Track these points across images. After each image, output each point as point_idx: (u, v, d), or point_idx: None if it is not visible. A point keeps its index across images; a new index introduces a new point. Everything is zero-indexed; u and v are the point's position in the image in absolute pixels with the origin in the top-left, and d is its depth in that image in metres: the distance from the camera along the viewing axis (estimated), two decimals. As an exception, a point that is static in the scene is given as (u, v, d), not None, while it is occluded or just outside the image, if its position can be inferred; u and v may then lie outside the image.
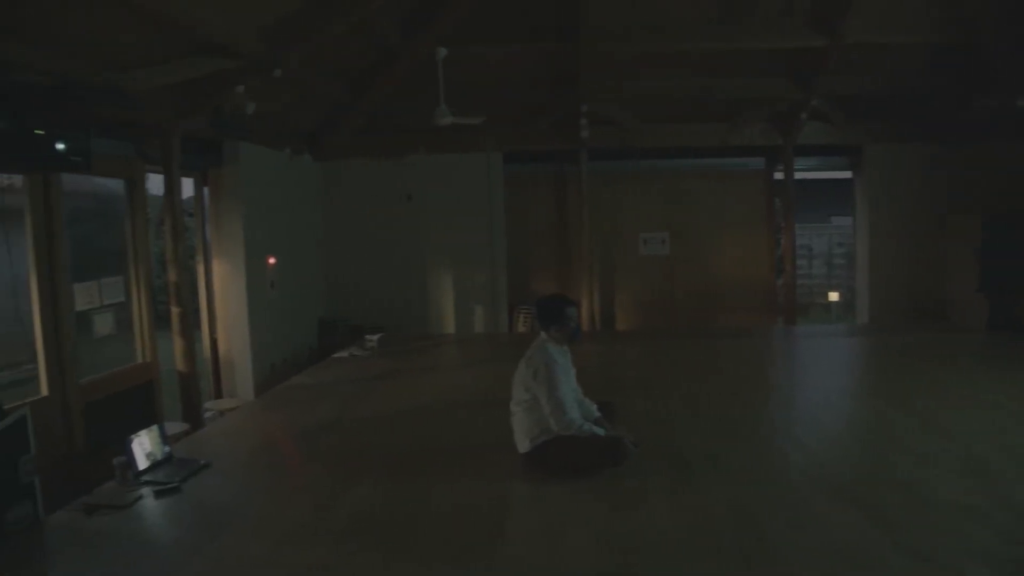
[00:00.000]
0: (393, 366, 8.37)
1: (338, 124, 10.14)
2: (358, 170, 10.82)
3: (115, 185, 7.25)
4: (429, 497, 4.32)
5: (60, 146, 5.12)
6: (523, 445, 4.68)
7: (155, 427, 4.94)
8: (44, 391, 5.82)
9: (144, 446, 4.72)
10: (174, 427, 6.40)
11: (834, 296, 13.34)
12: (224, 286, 8.56)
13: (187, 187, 8.08)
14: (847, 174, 11.51)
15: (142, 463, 4.65)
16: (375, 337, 9.43)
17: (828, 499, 4.08)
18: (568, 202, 11.28)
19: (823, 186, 14.11)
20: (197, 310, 8.44)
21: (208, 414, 7.50)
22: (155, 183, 7.62)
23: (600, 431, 4.60)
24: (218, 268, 8.57)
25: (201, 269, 8.63)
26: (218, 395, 8.60)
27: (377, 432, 5.83)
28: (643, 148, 10.84)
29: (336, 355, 9.08)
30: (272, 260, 9.08)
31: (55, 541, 3.94)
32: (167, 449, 4.93)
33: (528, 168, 11.29)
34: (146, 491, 4.43)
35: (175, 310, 7.19)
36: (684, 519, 3.85)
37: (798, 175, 11.15)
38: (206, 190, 8.61)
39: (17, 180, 5.82)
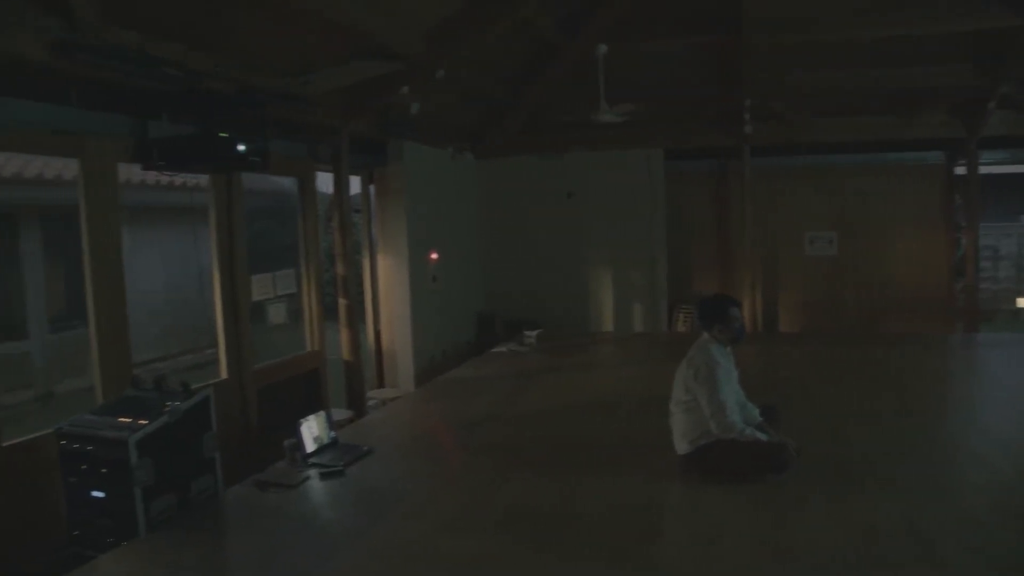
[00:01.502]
0: (551, 363, 8.42)
1: (499, 122, 10.29)
2: (518, 167, 10.93)
3: (288, 183, 7.70)
4: (584, 494, 4.31)
5: (241, 148, 5.48)
6: (681, 447, 4.57)
7: (322, 413, 5.19)
8: (223, 375, 6.25)
9: (312, 430, 4.97)
10: (339, 414, 6.71)
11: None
12: (388, 280, 8.90)
13: (354, 185, 8.45)
14: (1043, 168, 10.55)
15: (310, 446, 4.89)
16: (534, 333, 9.51)
17: (1009, 522, 3.74)
18: (731, 199, 10.94)
19: (1013, 181, 12.98)
20: (362, 303, 8.81)
21: (371, 403, 7.81)
22: (324, 181, 8.04)
23: (763, 436, 4.43)
24: (383, 263, 8.92)
25: (367, 263, 9.00)
26: (380, 385, 8.94)
27: (534, 427, 5.87)
28: (810, 143, 10.37)
29: (494, 350, 9.22)
30: (434, 255, 9.35)
31: (232, 512, 4.25)
32: (333, 434, 5.17)
33: (690, 164, 11.04)
34: (313, 473, 4.66)
35: (342, 302, 7.54)
36: (848, 532, 3.64)
37: (983, 169, 10.33)
38: (372, 188, 8.98)
39: (203, 180, 6.28)
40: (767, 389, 5.92)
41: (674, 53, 9.13)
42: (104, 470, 3.96)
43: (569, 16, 8.33)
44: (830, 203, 10.90)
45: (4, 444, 4.31)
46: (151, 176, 5.90)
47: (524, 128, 10.53)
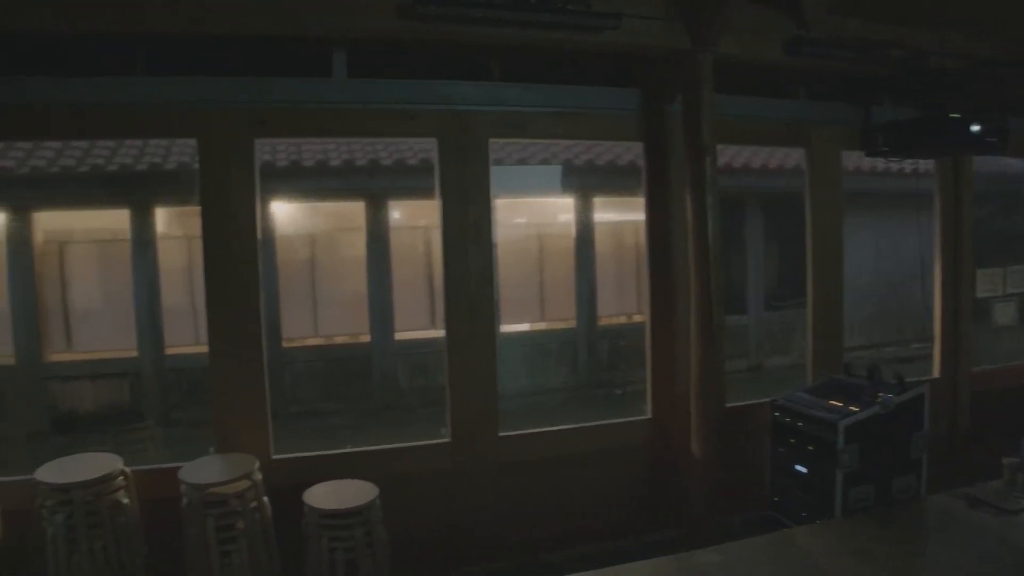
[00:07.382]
0: None
1: None
2: None
3: (1017, 165, 6.87)
4: None
5: (975, 128, 5.07)
6: None
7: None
8: (935, 372, 5.94)
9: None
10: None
11: None
12: None
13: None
14: None
15: (1035, 470, 4.26)
16: None
17: None
18: None
19: None
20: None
21: None
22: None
23: None
24: None
25: None
26: None
27: None
28: None
29: None
30: None
31: (933, 520, 3.95)
32: (1077, 465, 4.41)
33: None
34: (1034, 503, 4.05)
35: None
36: None
37: None
38: None
39: (926, 164, 6.01)
40: None
41: None
42: (810, 447, 4.13)
43: None
44: None
45: (727, 405, 4.83)
46: (866, 162, 5.90)
47: None
